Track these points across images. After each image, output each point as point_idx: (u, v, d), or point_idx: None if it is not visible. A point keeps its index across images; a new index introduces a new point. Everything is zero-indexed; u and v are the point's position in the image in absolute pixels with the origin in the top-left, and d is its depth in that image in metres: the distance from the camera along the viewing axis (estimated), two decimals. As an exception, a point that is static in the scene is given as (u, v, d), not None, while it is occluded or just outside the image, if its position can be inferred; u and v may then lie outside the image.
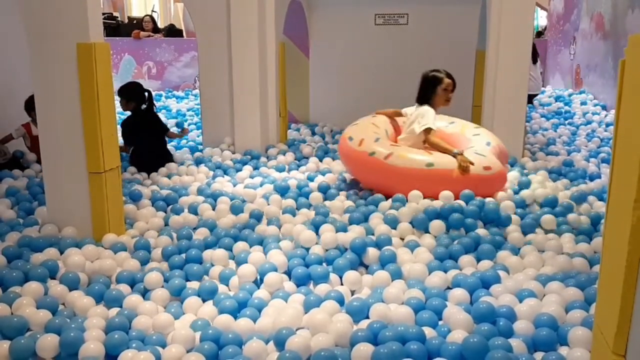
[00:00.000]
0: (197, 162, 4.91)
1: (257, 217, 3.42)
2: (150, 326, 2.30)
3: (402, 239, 3.12)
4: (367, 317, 2.32)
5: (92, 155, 3.06)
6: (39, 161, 4.65)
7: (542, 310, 2.29)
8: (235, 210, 3.56)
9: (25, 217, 3.49)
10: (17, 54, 4.85)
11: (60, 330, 2.19)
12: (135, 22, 10.59)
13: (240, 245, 2.99)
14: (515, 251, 2.95)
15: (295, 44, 6.70)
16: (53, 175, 3.18)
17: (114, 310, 2.42)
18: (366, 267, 2.86)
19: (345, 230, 3.09)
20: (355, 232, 3.02)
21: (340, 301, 2.44)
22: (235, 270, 2.74)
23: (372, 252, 2.86)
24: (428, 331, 2.18)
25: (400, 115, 4.37)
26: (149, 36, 9.64)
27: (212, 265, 2.86)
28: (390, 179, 3.63)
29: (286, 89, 5.88)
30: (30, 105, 4.60)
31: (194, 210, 3.61)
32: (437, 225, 3.16)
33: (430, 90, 3.91)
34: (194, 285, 2.66)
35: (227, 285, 2.70)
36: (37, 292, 2.49)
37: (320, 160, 4.97)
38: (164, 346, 2.16)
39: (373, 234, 3.08)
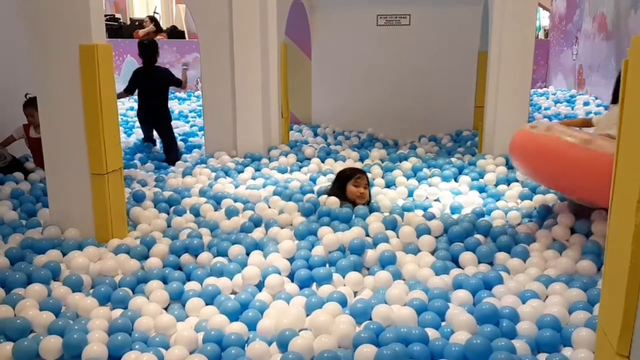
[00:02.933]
0: (200, 162, 4.96)
1: (256, 220, 3.40)
2: (153, 328, 2.31)
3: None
4: (370, 319, 2.32)
5: (95, 156, 3.07)
6: (36, 162, 4.67)
7: (545, 312, 2.28)
8: (233, 213, 3.55)
9: (27, 219, 3.50)
10: (19, 55, 4.86)
11: (63, 332, 2.20)
12: (137, 23, 10.62)
13: (238, 249, 2.97)
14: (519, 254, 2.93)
15: (297, 45, 6.70)
16: (56, 176, 3.18)
17: (117, 312, 2.42)
18: (368, 268, 2.86)
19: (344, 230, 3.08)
20: (354, 232, 3.01)
21: (343, 303, 2.43)
22: (236, 273, 2.73)
23: (371, 253, 2.85)
24: (431, 332, 2.17)
25: (589, 125, 3.71)
26: (147, 34, 9.60)
27: (213, 268, 2.86)
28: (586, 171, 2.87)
29: (288, 90, 5.88)
30: (25, 107, 4.60)
31: (196, 211, 3.61)
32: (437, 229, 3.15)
33: None
34: (195, 287, 2.66)
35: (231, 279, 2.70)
36: (40, 294, 2.50)
37: (323, 162, 4.97)
38: (166, 348, 2.16)
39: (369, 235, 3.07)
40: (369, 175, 4.49)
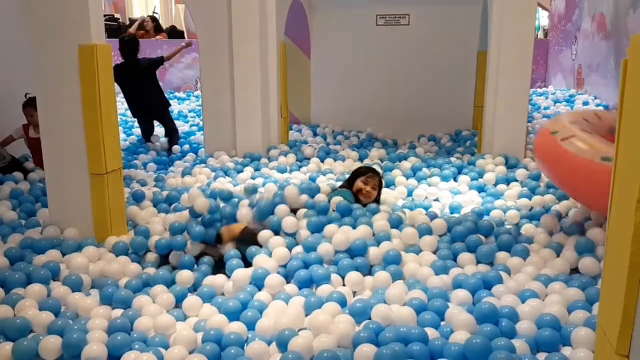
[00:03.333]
0: (200, 162, 4.96)
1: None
2: (152, 327, 2.31)
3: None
4: (369, 319, 2.31)
5: (94, 156, 3.07)
6: (35, 162, 4.66)
7: (545, 311, 2.28)
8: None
9: (27, 219, 3.49)
10: (19, 55, 4.85)
11: (62, 331, 2.20)
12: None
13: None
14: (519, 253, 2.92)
15: (296, 44, 6.70)
16: (55, 176, 3.18)
17: (116, 312, 2.42)
18: (371, 266, 2.83)
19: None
20: (360, 231, 2.98)
21: (342, 303, 2.43)
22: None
23: (374, 253, 2.83)
24: (430, 332, 2.17)
25: None
26: (136, 30, 9.61)
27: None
28: (562, 167, 2.92)
29: (287, 89, 5.88)
30: (24, 107, 4.60)
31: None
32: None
33: None
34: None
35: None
36: (39, 294, 2.49)
37: (322, 161, 4.97)
38: (166, 347, 2.16)
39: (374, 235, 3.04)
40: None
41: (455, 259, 2.88)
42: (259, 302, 2.44)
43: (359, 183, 3.55)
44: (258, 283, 2.61)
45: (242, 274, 2.66)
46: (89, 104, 3.02)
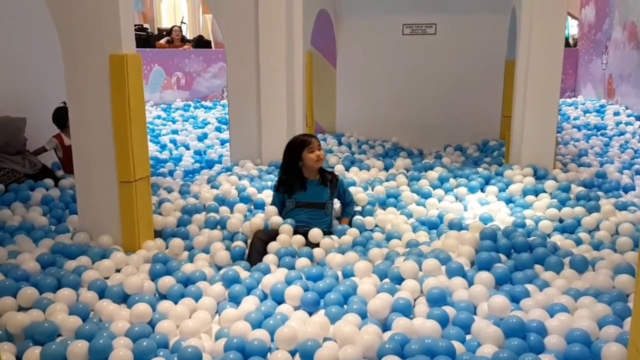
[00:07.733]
0: (225, 170, 5.00)
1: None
2: (177, 334, 2.32)
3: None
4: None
5: (123, 164, 3.12)
6: (66, 170, 4.74)
7: (575, 326, 2.23)
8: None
9: (57, 225, 3.56)
10: (49, 65, 4.96)
11: (90, 336, 2.23)
12: (164, 33, 10.79)
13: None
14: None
15: (322, 54, 6.72)
16: (84, 183, 3.24)
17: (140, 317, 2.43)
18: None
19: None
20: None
21: (363, 314, 2.41)
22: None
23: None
24: (456, 345, 2.14)
25: None
26: (168, 41, 9.82)
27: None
28: None
29: (313, 99, 5.88)
30: (58, 117, 4.69)
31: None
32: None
33: None
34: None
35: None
36: (69, 299, 2.54)
37: (347, 170, 4.95)
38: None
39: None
40: (393, 183, 4.48)
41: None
42: (283, 312, 2.44)
43: (309, 155, 3.35)
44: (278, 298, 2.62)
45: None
46: (118, 113, 3.08)
